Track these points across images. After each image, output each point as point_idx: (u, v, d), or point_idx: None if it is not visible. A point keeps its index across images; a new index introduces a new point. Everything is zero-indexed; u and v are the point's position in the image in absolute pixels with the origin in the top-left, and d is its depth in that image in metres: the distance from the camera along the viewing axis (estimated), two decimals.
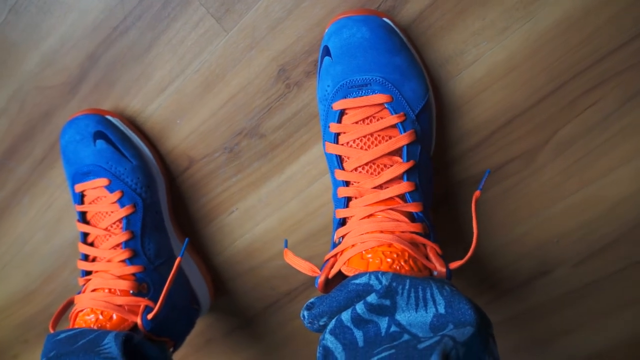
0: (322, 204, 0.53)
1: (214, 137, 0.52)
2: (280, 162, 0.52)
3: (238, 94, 0.49)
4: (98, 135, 0.49)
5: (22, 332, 0.70)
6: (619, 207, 0.48)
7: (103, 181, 0.48)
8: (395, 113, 0.40)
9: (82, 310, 0.47)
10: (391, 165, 0.41)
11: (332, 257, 0.41)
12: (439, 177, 0.49)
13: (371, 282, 0.35)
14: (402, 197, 0.40)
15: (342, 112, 0.41)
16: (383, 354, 0.33)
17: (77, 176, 0.49)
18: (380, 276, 0.35)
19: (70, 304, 0.51)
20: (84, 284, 0.49)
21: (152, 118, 0.52)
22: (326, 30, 0.42)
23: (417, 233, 0.40)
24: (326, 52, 0.42)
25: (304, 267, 0.41)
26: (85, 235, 0.50)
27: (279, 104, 0.49)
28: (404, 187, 0.40)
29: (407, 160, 0.40)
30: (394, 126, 0.41)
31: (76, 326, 0.46)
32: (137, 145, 0.51)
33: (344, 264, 0.38)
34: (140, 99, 0.51)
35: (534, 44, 0.43)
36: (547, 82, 0.44)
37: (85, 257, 0.50)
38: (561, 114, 0.45)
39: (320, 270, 0.40)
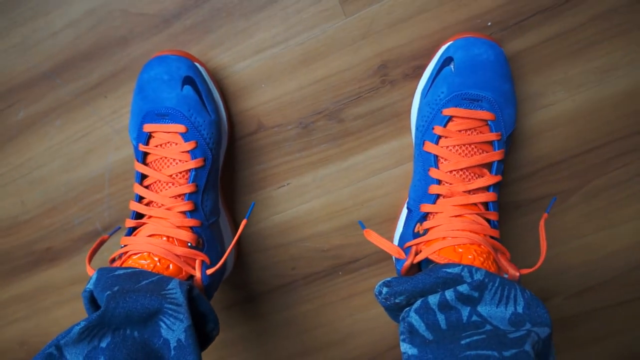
0: (372, 198, 0.56)
1: (293, 110, 0.53)
2: (347, 150, 0.54)
3: (333, 76, 0.51)
4: (187, 80, 0.48)
5: None
6: (619, 254, 0.57)
7: (180, 127, 0.47)
8: (495, 131, 0.45)
9: (136, 254, 0.45)
10: (481, 176, 0.45)
11: (414, 245, 0.44)
12: None
13: (463, 273, 0.39)
14: (485, 205, 0.45)
15: (449, 119, 0.45)
16: (474, 338, 0.37)
17: (151, 115, 0.47)
18: (474, 271, 0.39)
19: (102, 243, 0.48)
20: (135, 227, 0.47)
21: (236, 75, 0.52)
22: (450, 43, 0.46)
23: (494, 238, 0.45)
24: (448, 62, 0.46)
25: (391, 248, 0.44)
26: (142, 177, 0.48)
27: (368, 95, 0.52)
28: (489, 196, 0.45)
29: (495, 174, 0.45)
30: (490, 142, 0.46)
31: (129, 267, 0.44)
32: (216, 99, 0.51)
33: (435, 252, 0.42)
34: (231, 54, 0.51)
35: (596, 105, 0.51)
36: (595, 139, 0.52)
37: (139, 199, 0.48)
38: (598, 167, 0.54)
39: (406, 255, 0.43)
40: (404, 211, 0.53)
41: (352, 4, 0.48)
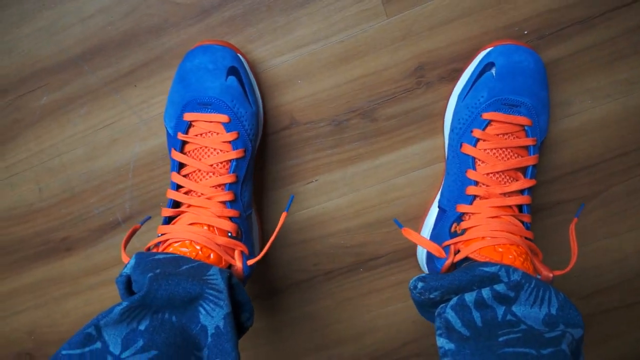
0: (399, 197, 0.57)
1: (328, 107, 0.53)
2: (378, 149, 0.55)
3: (370, 75, 0.52)
4: (232, 71, 0.47)
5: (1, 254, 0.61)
6: (628, 260, 0.60)
7: (223, 117, 0.47)
8: (531, 136, 0.47)
9: (177, 242, 0.44)
10: (516, 179, 0.47)
11: (452, 243, 0.45)
12: None
13: (500, 273, 0.40)
14: (519, 207, 0.47)
15: (488, 122, 0.47)
16: (511, 336, 0.38)
17: (193, 104, 0.47)
18: (511, 271, 0.40)
19: (135, 231, 0.47)
20: (172, 216, 0.47)
21: (273, 70, 0.52)
22: (490, 49, 0.47)
23: (528, 239, 0.46)
24: (489, 67, 0.47)
25: (432, 247, 0.44)
26: (180, 165, 0.47)
27: (403, 96, 0.52)
28: (524, 199, 0.46)
29: (530, 178, 0.47)
30: (526, 147, 0.47)
31: (170, 252, 0.44)
32: (256, 91, 0.50)
33: (475, 252, 0.43)
34: (269, 48, 0.51)
35: (622, 115, 0.53)
36: (618, 147, 0.55)
37: (177, 188, 0.47)
38: (619, 174, 0.56)
39: (447, 254, 0.44)
40: (433, 210, 0.54)
41: (394, 5, 0.49)
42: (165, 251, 0.44)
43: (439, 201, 0.51)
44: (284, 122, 0.54)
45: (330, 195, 0.57)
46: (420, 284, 0.42)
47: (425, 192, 0.56)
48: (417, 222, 0.57)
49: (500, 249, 0.43)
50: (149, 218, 0.51)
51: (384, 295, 0.62)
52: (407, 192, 0.57)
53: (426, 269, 0.56)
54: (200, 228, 0.45)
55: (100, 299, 0.63)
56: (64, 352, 0.34)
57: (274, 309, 0.63)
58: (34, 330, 0.64)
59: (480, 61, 0.48)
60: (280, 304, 0.63)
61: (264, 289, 0.62)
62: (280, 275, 0.61)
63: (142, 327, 0.37)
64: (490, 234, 0.44)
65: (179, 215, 0.47)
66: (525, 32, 0.50)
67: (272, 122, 0.54)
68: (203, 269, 0.41)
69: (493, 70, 0.47)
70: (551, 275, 0.44)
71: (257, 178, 0.56)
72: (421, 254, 0.55)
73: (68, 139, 0.55)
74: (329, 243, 0.59)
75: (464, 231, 0.46)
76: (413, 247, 0.59)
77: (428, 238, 0.54)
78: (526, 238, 0.46)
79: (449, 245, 0.45)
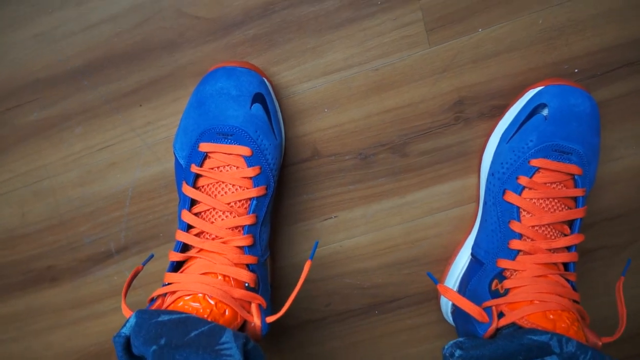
0: (424, 237, 0.52)
1: (354, 140, 0.48)
2: (406, 186, 0.50)
3: (405, 108, 0.47)
4: (257, 98, 0.42)
5: None
6: None
7: (245, 150, 0.41)
8: (580, 187, 0.43)
9: (188, 295, 0.38)
10: (562, 232, 0.43)
11: (495, 305, 0.41)
12: None
13: (551, 342, 0.36)
14: (565, 265, 0.43)
15: (536, 170, 0.42)
16: None
17: (211, 134, 0.41)
18: (564, 341, 0.36)
19: (137, 274, 0.42)
20: (183, 262, 0.41)
21: (298, 96, 0.46)
22: (541, 88, 0.43)
23: (575, 301, 0.42)
24: (539, 108, 0.43)
25: (472, 309, 0.40)
26: (193, 203, 0.42)
27: (439, 131, 0.48)
28: (571, 256, 0.42)
29: (578, 233, 0.43)
30: (574, 198, 0.43)
31: (178, 310, 0.38)
32: (280, 120, 0.45)
33: (523, 317, 0.39)
34: (296, 72, 0.46)
35: None
36: None
37: (187, 229, 0.42)
38: None
39: (490, 318, 0.40)
40: (462, 255, 0.50)
41: (438, 33, 0.44)
42: (173, 306, 0.38)
43: (474, 250, 0.47)
44: (305, 153, 0.49)
45: (349, 233, 0.52)
46: (457, 352, 0.37)
47: (452, 234, 0.52)
48: (440, 265, 0.53)
49: (552, 316, 0.39)
50: (152, 257, 0.45)
51: (399, 339, 0.57)
52: (432, 233, 0.52)
53: (450, 319, 0.51)
54: (214, 279, 0.39)
55: (84, 334, 0.56)
56: None
57: (280, 349, 0.58)
58: None
59: (530, 100, 0.44)
60: (286, 343, 0.58)
61: (270, 326, 0.57)
62: (289, 313, 0.56)
63: None
64: (538, 297, 0.40)
65: (188, 259, 0.41)
66: (576, 71, 0.46)
67: (292, 152, 0.49)
68: (215, 334, 0.35)
69: (544, 112, 0.43)
70: (599, 343, 0.40)
71: (273, 211, 0.51)
72: (446, 304, 0.51)
73: (60, 161, 0.49)
74: (344, 283, 0.55)
75: (507, 291, 0.42)
76: (434, 290, 0.55)
77: (457, 285, 0.50)
78: (574, 301, 0.42)
79: (490, 307, 0.41)
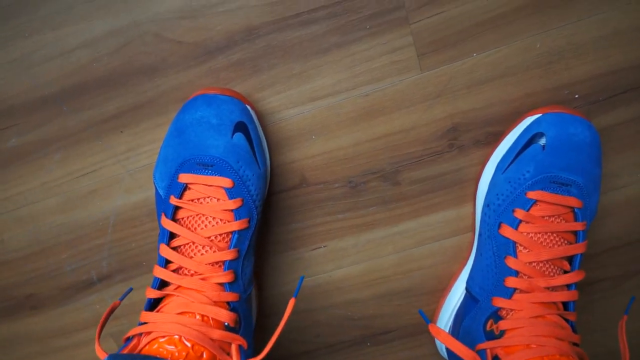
0: (417, 268, 0.50)
1: (344, 167, 0.46)
2: (398, 215, 0.48)
3: (396, 135, 0.45)
4: (239, 126, 0.40)
5: None
6: None
7: (225, 182, 0.39)
8: (581, 220, 0.40)
9: (163, 337, 0.36)
10: (562, 269, 0.40)
11: (489, 348, 0.38)
12: None
13: None
14: (565, 304, 0.40)
15: (534, 202, 0.40)
16: None
17: (190, 164, 0.40)
18: None
19: (113, 310, 0.40)
20: (159, 299, 0.39)
21: (284, 122, 0.45)
22: (539, 116, 0.41)
23: (576, 344, 0.39)
24: (537, 137, 0.40)
25: (464, 352, 0.38)
26: (171, 236, 0.40)
27: (431, 159, 0.46)
28: (570, 295, 0.40)
29: (579, 269, 0.40)
30: (574, 232, 0.41)
31: (152, 355, 0.36)
32: (265, 148, 0.43)
33: None
34: (281, 98, 0.44)
35: None
36: None
37: (165, 264, 0.40)
38: None
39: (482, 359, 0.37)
40: (457, 288, 0.48)
41: (430, 58, 0.42)
42: (148, 348, 0.36)
43: (468, 284, 0.44)
44: (293, 180, 0.47)
45: (339, 263, 0.50)
46: None
47: (446, 265, 0.50)
48: (434, 296, 0.51)
49: None
50: (131, 290, 0.43)
51: None
52: (425, 264, 0.50)
53: (445, 355, 0.49)
54: (192, 319, 0.37)
55: None
56: None
57: None
58: None
59: (527, 129, 0.41)
60: None
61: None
62: (277, 344, 0.54)
63: None
64: (535, 341, 0.37)
65: (165, 296, 0.39)
66: (577, 96, 0.44)
67: (279, 180, 0.47)
68: None
69: (542, 142, 0.41)
70: None
71: (258, 241, 0.49)
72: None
73: (39, 187, 0.47)
74: (334, 314, 0.52)
75: (502, 332, 0.39)
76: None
77: (451, 319, 0.47)
78: (574, 343, 0.39)
79: (484, 349, 0.38)
